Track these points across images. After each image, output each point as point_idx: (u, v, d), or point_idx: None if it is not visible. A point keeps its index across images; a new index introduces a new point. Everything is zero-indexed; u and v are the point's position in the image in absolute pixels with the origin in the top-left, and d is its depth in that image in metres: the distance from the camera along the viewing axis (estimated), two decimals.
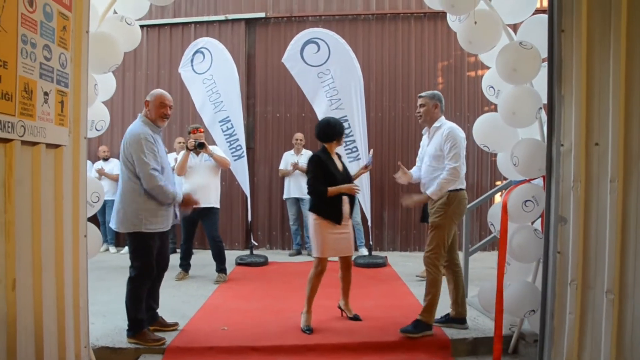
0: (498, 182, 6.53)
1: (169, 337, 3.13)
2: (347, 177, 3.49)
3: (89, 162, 4.49)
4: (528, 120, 2.97)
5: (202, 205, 4.38)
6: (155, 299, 3.33)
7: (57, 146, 2.26)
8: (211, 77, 5.86)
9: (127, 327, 3.09)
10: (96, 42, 2.79)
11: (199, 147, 4.70)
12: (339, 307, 3.66)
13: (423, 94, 3.40)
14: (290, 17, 7.04)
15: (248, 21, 7.07)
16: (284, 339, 3.17)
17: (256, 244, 6.54)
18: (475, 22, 2.94)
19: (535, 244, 2.89)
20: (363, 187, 5.73)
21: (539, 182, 2.96)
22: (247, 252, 6.24)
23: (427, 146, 3.39)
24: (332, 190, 3.30)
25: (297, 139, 6.44)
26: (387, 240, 6.93)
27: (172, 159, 5.54)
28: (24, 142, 1.94)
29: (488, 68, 3.47)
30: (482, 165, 6.88)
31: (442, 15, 5.65)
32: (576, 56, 2.42)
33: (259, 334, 3.23)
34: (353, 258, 3.84)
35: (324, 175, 3.33)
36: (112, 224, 3.11)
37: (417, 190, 3.46)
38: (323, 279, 3.42)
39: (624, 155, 2.26)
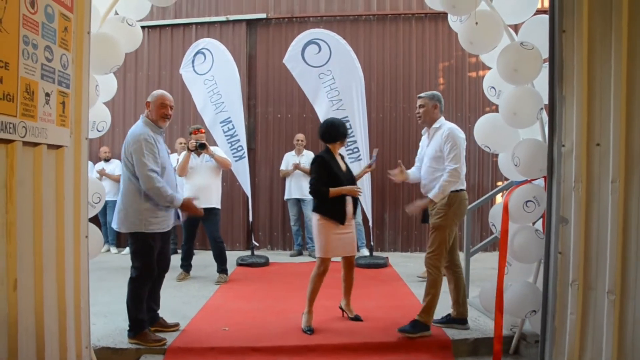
0: (499, 183, 6.52)
1: (170, 338, 3.13)
2: (351, 178, 3.50)
3: (90, 163, 4.51)
4: (529, 121, 2.97)
5: (203, 206, 4.38)
6: (155, 301, 3.33)
7: (58, 147, 2.26)
8: (212, 78, 5.86)
9: (128, 328, 3.09)
10: (97, 43, 2.79)
11: (200, 148, 4.70)
12: (340, 308, 3.66)
13: (422, 94, 3.39)
14: (292, 18, 7.04)
15: (249, 22, 7.08)
16: (285, 339, 3.17)
17: (257, 244, 6.54)
18: (477, 23, 2.95)
19: (536, 244, 2.89)
20: (364, 187, 5.72)
21: (540, 182, 2.96)
22: (248, 252, 6.24)
23: (427, 147, 3.38)
24: (333, 191, 3.30)
25: (298, 140, 6.45)
26: (388, 240, 6.93)
27: (174, 159, 5.53)
28: (25, 143, 1.95)
29: (489, 68, 3.47)
30: (483, 166, 6.87)
31: (443, 16, 5.64)
32: (577, 56, 2.41)
33: (260, 335, 3.23)
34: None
35: (328, 175, 3.33)
36: (114, 224, 3.12)
37: (417, 190, 3.46)
38: (324, 279, 3.42)
39: (625, 155, 2.26)
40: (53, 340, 2.21)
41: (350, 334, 3.26)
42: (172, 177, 3.20)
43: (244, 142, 5.88)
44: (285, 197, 6.52)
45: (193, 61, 5.94)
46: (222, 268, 4.92)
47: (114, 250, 6.77)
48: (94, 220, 3.24)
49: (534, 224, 3.08)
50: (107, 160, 6.71)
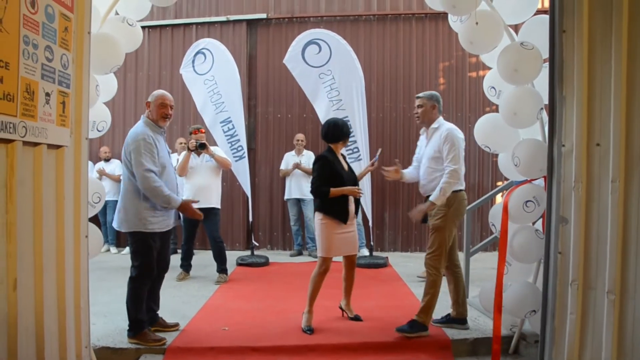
0: (499, 183, 6.53)
1: (169, 338, 3.13)
2: (353, 177, 3.50)
3: (90, 163, 4.51)
4: (529, 121, 2.97)
5: (203, 205, 4.39)
6: (155, 301, 3.33)
7: (58, 147, 2.26)
8: (212, 78, 5.86)
9: (127, 328, 3.09)
10: (98, 43, 2.80)
11: (200, 148, 4.71)
12: (340, 308, 3.66)
13: (421, 94, 3.38)
14: (292, 18, 7.04)
15: (249, 22, 7.08)
16: (285, 339, 3.17)
17: (257, 244, 6.55)
18: (477, 23, 2.95)
19: (536, 244, 2.89)
20: (364, 187, 5.72)
21: (540, 182, 2.96)
22: (248, 252, 6.24)
23: (425, 147, 3.36)
24: (334, 191, 3.30)
25: (298, 140, 6.45)
26: (388, 240, 6.93)
27: (174, 159, 5.52)
28: (25, 143, 1.95)
29: (489, 69, 3.47)
30: (483, 166, 6.87)
31: (443, 16, 5.65)
32: (577, 57, 2.41)
33: (260, 334, 3.23)
34: None
35: (331, 175, 3.33)
36: (115, 224, 3.13)
37: (417, 190, 3.46)
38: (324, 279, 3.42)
39: (625, 155, 2.26)
40: (53, 340, 2.21)
41: (350, 334, 3.26)
42: (172, 176, 3.20)
43: (244, 142, 5.89)
44: (285, 197, 6.52)
45: (193, 61, 5.94)
46: (221, 268, 4.92)
47: (113, 250, 6.77)
48: (94, 220, 3.25)
49: (533, 223, 3.08)
50: (107, 160, 6.72)
